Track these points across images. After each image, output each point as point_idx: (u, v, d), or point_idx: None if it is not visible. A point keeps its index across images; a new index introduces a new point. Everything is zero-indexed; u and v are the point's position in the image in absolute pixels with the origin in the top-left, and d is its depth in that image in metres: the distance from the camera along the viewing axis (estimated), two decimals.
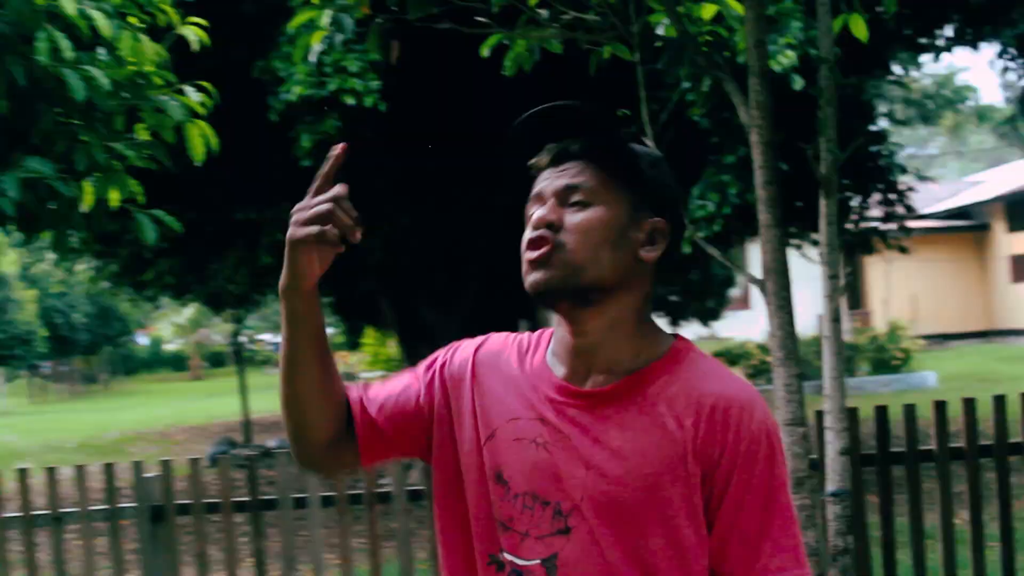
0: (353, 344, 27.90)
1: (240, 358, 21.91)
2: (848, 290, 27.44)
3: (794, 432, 3.86)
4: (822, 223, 4.09)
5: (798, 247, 10.09)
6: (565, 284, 1.84)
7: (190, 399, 31.04)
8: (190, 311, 39.84)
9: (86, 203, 4.51)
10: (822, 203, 4.07)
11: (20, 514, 5.44)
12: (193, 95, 4.50)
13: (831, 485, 4.18)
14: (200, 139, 4.51)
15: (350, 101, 8.57)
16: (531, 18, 4.30)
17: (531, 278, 1.85)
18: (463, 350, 2.04)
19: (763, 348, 19.01)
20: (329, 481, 5.34)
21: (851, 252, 11.92)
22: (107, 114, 4.17)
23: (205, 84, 4.54)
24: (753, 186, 3.85)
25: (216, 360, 47.44)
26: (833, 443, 4.17)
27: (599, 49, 4.17)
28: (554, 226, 1.83)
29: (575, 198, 1.85)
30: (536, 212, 1.86)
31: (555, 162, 1.89)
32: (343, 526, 5.40)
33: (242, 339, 39.04)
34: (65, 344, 39.67)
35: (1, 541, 5.47)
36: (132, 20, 4.22)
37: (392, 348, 22.04)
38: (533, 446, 1.91)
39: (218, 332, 42.07)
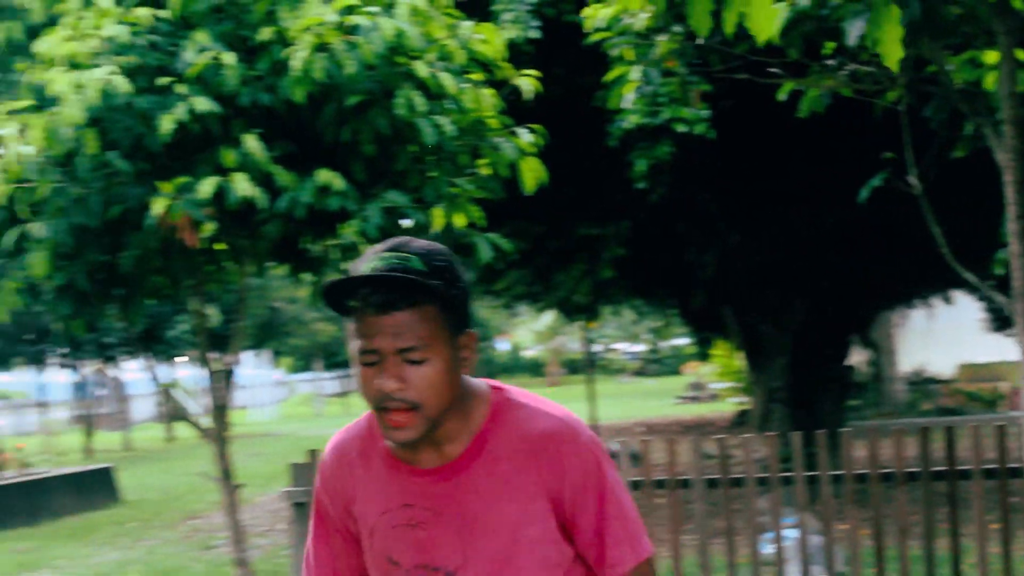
0: (703, 355, 28.38)
1: (592, 365, 22.82)
2: None
3: None
4: None
5: None
6: (427, 432, 2.11)
7: None
8: (548, 318, 41.24)
9: (436, 226, 5.37)
10: None
11: None
12: (525, 136, 5.27)
13: None
14: (531, 173, 5.27)
15: (682, 129, 9.19)
16: (822, 67, 4.79)
17: (398, 435, 2.09)
18: (321, 486, 2.33)
19: None
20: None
21: None
22: (452, 154, 5.01)
23: (536, 127, 5.30)
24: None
25: (573, 367, 48.66)
26: None
27: (879, 97, 4.62)
28: (403, 390, 2.06)
29: (411, 356, 2.05)
30: (387, 383, 2.05)
31: (380, 311, 2.05)
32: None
33: (597, 348, 40.12)
34: None
35: None
36: (474, 76, 5.02)
37: (739, 361, 22.41)
38: (408, 528, 2.22)
39: (576, 339, 43.22)
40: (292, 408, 41.54)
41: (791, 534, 6.38)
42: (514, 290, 13.27)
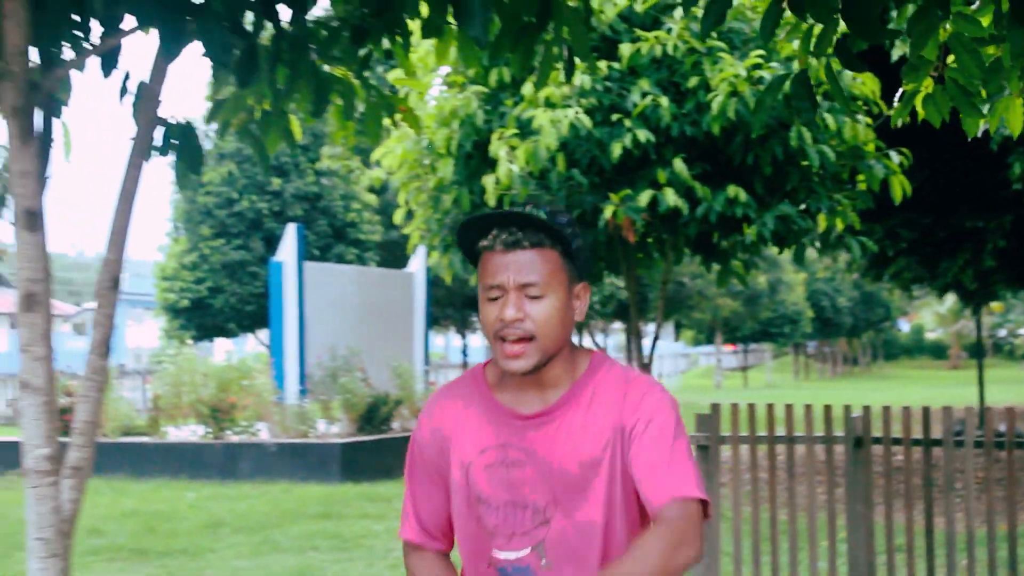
0: None
1: (985, 350, 22.87)
2: None
3: None
4: None
5: None
6: (539, 363, 2.32)
7: (943, 386, 31.66)
8: (950, 302, 40.52)
9: (820, 227, 6.74)
10: None
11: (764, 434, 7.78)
12: (894, 157, 6.53)
13: None
14: (898, 187, 6.51)
15: None
16: None
17: (514, 365, 2.31)
18: (421, 431, 2.51)
19: None
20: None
21: None
22: (834, 174, 6.36)
23: (903, 149, 6.54)
24: None
25: (975, 351, 47.37)
26: None
27: None
28: (521, 321, 2.28)
29: (532, 291, 2.28)
30: (507, 311, 2.28)
31: (508, 248, 2.28)
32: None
33: (1001, 332, 39.00)
34: (829, 326, 41.55)
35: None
36: (861, 117, 6.33)
37: None
38: (502, 467, 2.40)
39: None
40: (693, 379, 42.89)
41: None
42: (904, 275, 14.37)
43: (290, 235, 17.24)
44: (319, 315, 17.67)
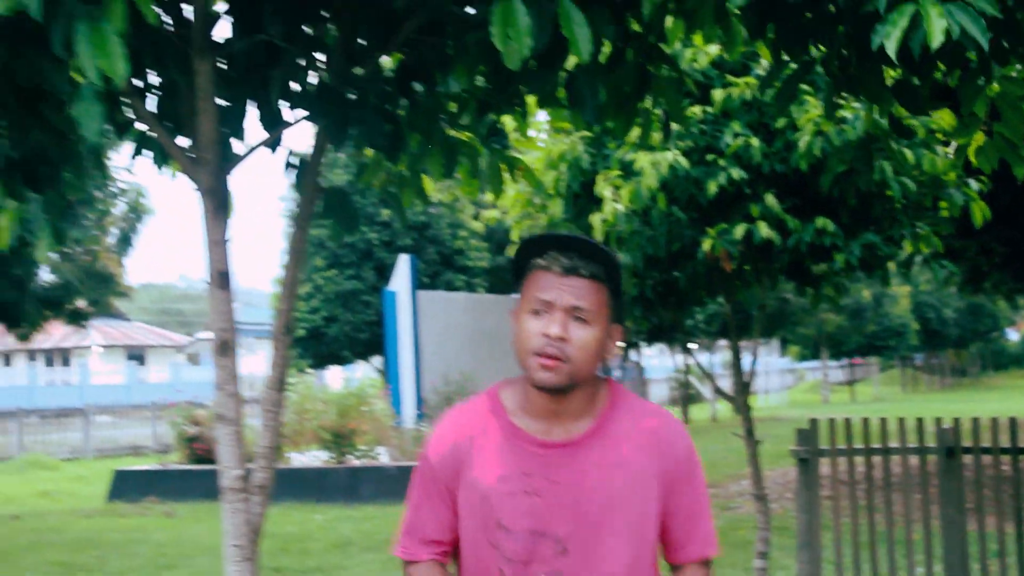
0: None
1: None
2: None
3: None
4: None
5: None
6: (566, 385, 2.37)
7: None
8: None
9: (907, 251, 7.22)
10: None
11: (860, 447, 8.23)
12: (974, 185, 6.97)
13: None
14: (979, 213, 6.94)
15: None
16: None
17: (545, 376, 2.36)
18: (433, 451, 2.53)
19: None
20: None
21: None
22: (915, 203, 6.83)
23: (982, 177, 6.97)
24: None
25: None
26: None
27: None
28: (563, 339, 2.34)
29: (579, 315, 2.35)
30: (552, 327, 2.34)
31: (565, 272, 2.37)
32: None
33: None
34: (936, 338, 41.54)
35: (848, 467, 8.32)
36: (939, 148, 6.78)
37: None
38: (524, 495, 2.41)
39: None
40: (800, 395, 43.00)
41: None
42: (999, 288, 14.75)
43: (403, 265, 18.04)
44: (432, 341, 18.42)
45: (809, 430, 8.08)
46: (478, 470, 2.45)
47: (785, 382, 44.88)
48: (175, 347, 63.50)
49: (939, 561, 8.08)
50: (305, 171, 4.15)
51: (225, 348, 3.86)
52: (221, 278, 3.83)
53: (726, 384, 29.08)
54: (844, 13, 3.15)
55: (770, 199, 6.69)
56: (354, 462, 16.78)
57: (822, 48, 3.59)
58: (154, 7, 2.99)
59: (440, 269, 24.10)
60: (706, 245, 6.79)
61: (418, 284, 19.69)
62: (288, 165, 4.29)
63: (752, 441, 8.03)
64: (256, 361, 56.31)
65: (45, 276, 15.63)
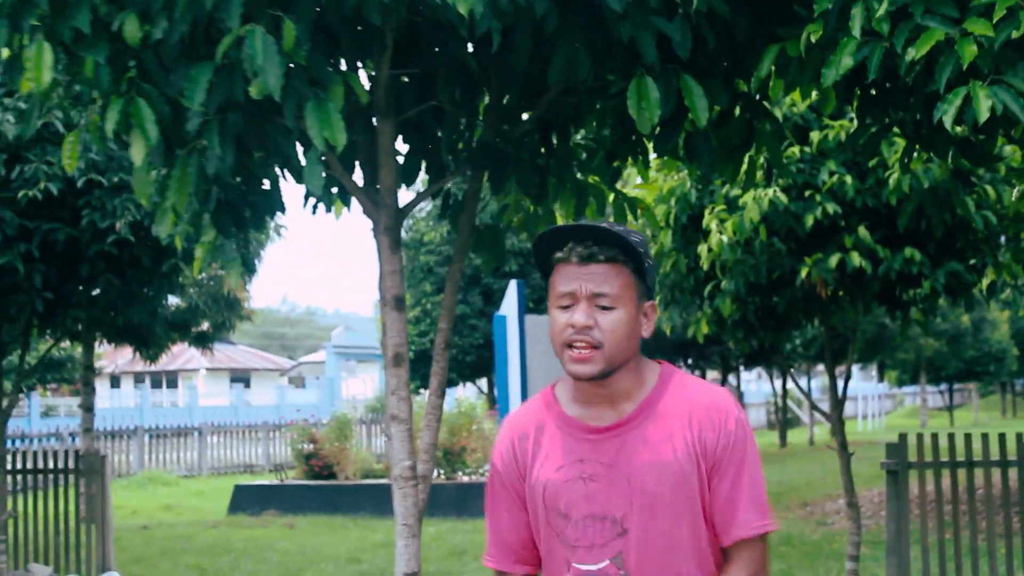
0: None
1: None
2: None
3: None
4: None
5: None
6: (603, 372, 2.38)
7: None
8: None
9: (990, 278, 7.83)
10: None
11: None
12: None
13: None
14: None
15: None
16: None
17: (580, 368, 2.38)
18: (498, 457, 2.59)
19: None
20: None
21: None
22: (997, 234, 7.44)
23: None
24: None
25: None
26: None
27: None
28: (591, 328, 2.34)
29: (603, 302, 2.35)
30: (577, 317, 2.36)
31: (582, 261, 2.37)
32: None
33: None
34: None
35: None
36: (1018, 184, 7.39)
37: None
38: (580, 482, 2.43)
39: None
40: (899, 419, 42.95)
41: None
42: None
43: (512, 290, 18.79)
44: (539, 363, 19.12)
45: (899, 444, 8.67)
46: (538, 465, 2.50)
47: (884, 407, 44.85)
48: (278, 370, 64.86)
49: (1020, 570, 8.63)
50: (463, 210, 4.94)
51: (399, 359, 4.66)
52: (396, 302, 4.64)
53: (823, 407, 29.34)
54: (916, 87, 3.84)
55: (862, 231, 7.34)
56: (463, 478, 17.57)
57: (899, 113, 4.30)
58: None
59: (544, 294, 24.70)
60: (803, 273, 7.45)
61: (525, 308, 20.41)
62: (445, 207, 5.09)
63: (845, 454, 8.64)
64: (356, 384, 57.48)
65: (173, 300, 16.46)
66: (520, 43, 3.91)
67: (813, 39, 3.71)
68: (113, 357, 48.84)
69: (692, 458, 2.42)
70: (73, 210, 9.37)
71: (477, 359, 24.14)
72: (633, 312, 2.40)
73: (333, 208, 5.10)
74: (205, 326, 18.98)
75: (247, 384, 58.69)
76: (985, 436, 8.65)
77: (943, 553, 8.58)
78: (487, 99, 4.81)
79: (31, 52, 3.72)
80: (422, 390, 21.96)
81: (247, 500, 18.66)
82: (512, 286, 19.37)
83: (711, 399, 2.46)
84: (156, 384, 57.58)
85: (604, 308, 2.36)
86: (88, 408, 18.54)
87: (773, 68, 4.28)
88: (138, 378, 57.18)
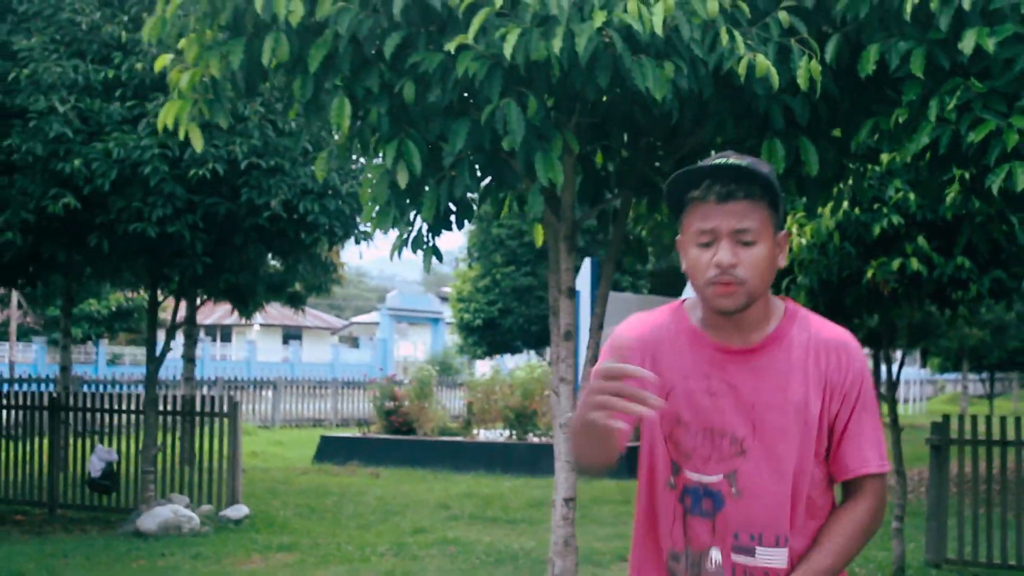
0: None
1: None
2: None
3: None
4: None
5: None
6: (744, 306, 2.44)
7: None
8: None
9: None
10: None
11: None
12: None
13: None
14: None
15: None
16: None
17: (724, 302, 2.42)
18: (627, 335, 2.56)
19: None
20: None
21: None
22: None
23: None
24: None
25: None
26: None
27: None
28: (735, 266, 2.39)
29: (745, 238, 2.39)
30: (723, 255, 2.38)
31: (721, 199, 2.39)
32: None
33: None
34: None
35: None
36: None
37: None
38: (704, 394, 2.50)
39: None
40: (939, 405, 43.83)
41: None
42: None
43: (586, 267, 20.23)
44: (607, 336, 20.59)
45: (942, 423, 10.10)
46: (666, 366, 2.53)
47: (925, 392, 45.85)
48: (329, 329, 66.20)
49: None
50: (615, 223, 6.41)
51: (568, 335, 6.15)
52: (569, 292, 6.12)
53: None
54: (973, 159, 5.26)
55: (921, 240, 8.73)
56: (534, 439, 19.06)
57: (960, 171, 5.73)
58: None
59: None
60: (869, 273, 8.87)
61: (597, 284, 21.83)
62: (602, 219, 6.57)
63: (896, 429, 10.08)
64: (407, 346, 58.92)
65: (273, 262, 17.65)
66: (687, 114, 5.37)
67: (901, 120, 5.14)
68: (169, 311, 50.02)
69: (818, 392, 2.47)
70: (232, 187, 10.90)
71: (541, 329, 25.56)
72: (771, 245, 2.44)
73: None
74: (298, 287, 20.31)
75: (300, 340, 60.14)
76: (1019, 420, 10.04)
77: (976, 525, 9.97)
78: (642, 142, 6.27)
79: (335, 104, 5.20)
80: (493, 356, 23.34)
81: (331, 451, 20.19)
82: (586, 263, 20.80)
83: (839, 337, 2.52)
84: (211, 338, 58.96)
85: (745, 244, 2.40)
86: (190, 359, 20.15)
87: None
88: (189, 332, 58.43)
